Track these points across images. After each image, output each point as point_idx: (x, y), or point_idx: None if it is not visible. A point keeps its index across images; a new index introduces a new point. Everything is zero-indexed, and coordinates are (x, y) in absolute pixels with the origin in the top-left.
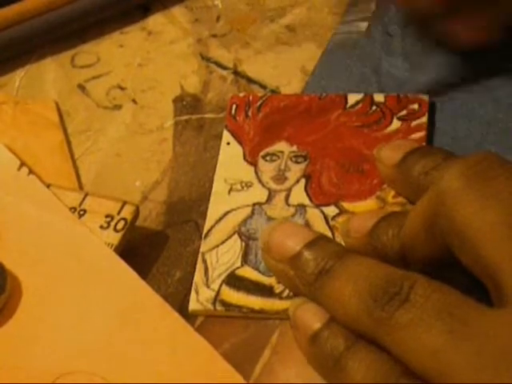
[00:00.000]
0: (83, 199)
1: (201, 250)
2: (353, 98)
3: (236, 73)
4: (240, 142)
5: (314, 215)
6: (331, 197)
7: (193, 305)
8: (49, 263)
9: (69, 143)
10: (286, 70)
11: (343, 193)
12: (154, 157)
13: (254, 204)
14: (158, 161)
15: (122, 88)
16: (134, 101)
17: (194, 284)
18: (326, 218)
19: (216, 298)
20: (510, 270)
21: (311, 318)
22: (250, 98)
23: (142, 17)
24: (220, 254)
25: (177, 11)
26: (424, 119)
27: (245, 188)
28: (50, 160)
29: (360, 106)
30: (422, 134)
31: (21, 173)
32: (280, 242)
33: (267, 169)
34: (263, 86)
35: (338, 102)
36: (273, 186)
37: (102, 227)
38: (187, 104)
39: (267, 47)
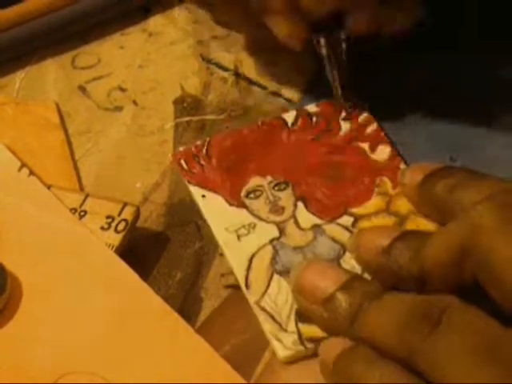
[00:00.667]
0: (84, 200)
1: (251, 301)
2: (290, 117)
3: (237, 74)
4: (214, 191)
5: (334, 231)
6: (338, 208)
7: (284, 352)
8: (49, 264)
9: (69, 144)
10: (286, 70)
11: (343, 201)
12: (155, 158)
13: (271, 240)
14: (158, 162)
15: (122, 89)
16: (134, 102)
17: (269, 334)
18: (347, 228)
19: (301, 338)
20: None
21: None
22: (193, 149)
23: (143, 18)
24: (274, 298)
25: (177, 13)
26: (366, 113)
27: (251, 230)
28: (51, 161)
29: (300, 121)
30: (374, 126)
31: (21, 174)
32: (312, 284)
33: (259, 206)
34: (264, 87)
35: (278, 124)
36: (276, 218)
37: (102, 228)
38: (188, 105)
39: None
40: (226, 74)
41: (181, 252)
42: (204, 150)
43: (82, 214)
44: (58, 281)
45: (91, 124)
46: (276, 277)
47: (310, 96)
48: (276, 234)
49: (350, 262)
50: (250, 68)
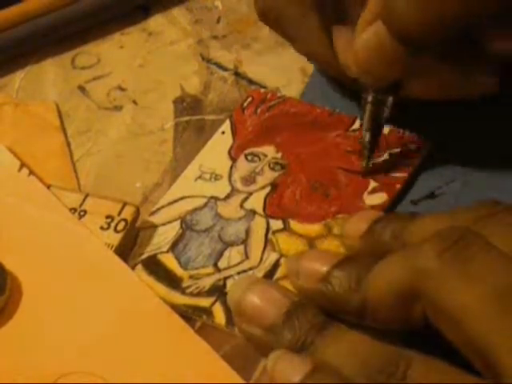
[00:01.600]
0: (83, 200)
1: (137, 224)
2: (355, 124)
3: (236, 74)
4: (234, 135)
5: (258, 224)
6: (284, 212)
7: None
8: (49, 264)
9: (69, 144)
10: (286, 70)
11: (297, 211)
12: (155, 158)
13: (211, 197)
14: (158, 162)
15: (122, 89)
16: (134, 102)
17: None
18: (268, 230)
19: None
20: (505, 347)
21: (291, 370)
22: (269, 95)
23: (143, 18)
24: (154, 235)
25: (177, 12)
26: (414, 162)
27: (212, 180)
28: (51, 161)
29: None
30: (403, 174)
31: (21, 174)
32: (255, 308)
33: (243, 167)
34: (263, 87)
35: (344, 122)
36: (238, 185)
37: (102, 228)
38: (187, 105)
39: (267, 48)
40: (225, 74)
41: None
42: (273, 102)
43: (82, 213)
44: (57, 280)
45: (91, 124)
46: (176, 223)
47: (310, 96)
48: (221, 195)
49: (232, 253)
50: (249, 68)
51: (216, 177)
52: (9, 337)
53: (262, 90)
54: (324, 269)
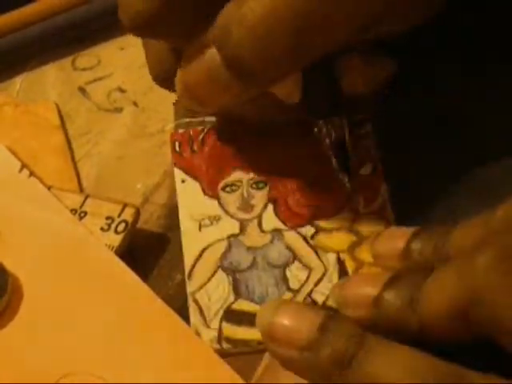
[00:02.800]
0: (84, 201)
1: (188, 290)
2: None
3: None
4: (195, 178)
5: (292, 238)
6: (303, 218)
7: None
8: (50, 265)
9: (70, 145)
10: None
11: (314, 212)
12: (155, 159)
13: (229, 236)
14: (158, 163)
15: (122, 90)
16: (134, 103)
17: (192, 325)
18: (305, 238)
19: (220, 337)
20: None
21: None
22: (191, 132)
23: None
24: (210, 292)
25: None
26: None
27: (214, 222)
28: (51, 162)
29: (304, 128)
30: (369, 142)
31: (22, 175)
32: (287, 328)
33: (231, 200)
34: None
35: (280, 126)
36: (242, 215)
37: (102, 229)
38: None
39: None
40: None
41: (181, 253)
42: (200, 137)
43: (82, 214)
44: (58, 281)
45: (91, 125)
46: (219, 273)
47: None
48: (236, 230)
49: (294, 272)
50: None
51: (215, 218)
52: (10, 337)
53: (181, 131)
54: (373, 293)
